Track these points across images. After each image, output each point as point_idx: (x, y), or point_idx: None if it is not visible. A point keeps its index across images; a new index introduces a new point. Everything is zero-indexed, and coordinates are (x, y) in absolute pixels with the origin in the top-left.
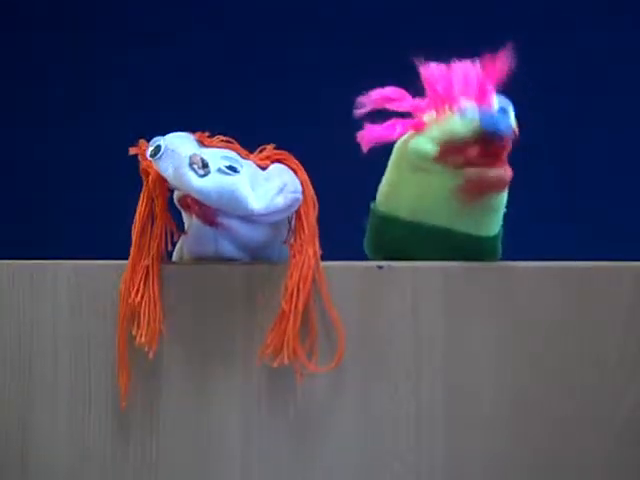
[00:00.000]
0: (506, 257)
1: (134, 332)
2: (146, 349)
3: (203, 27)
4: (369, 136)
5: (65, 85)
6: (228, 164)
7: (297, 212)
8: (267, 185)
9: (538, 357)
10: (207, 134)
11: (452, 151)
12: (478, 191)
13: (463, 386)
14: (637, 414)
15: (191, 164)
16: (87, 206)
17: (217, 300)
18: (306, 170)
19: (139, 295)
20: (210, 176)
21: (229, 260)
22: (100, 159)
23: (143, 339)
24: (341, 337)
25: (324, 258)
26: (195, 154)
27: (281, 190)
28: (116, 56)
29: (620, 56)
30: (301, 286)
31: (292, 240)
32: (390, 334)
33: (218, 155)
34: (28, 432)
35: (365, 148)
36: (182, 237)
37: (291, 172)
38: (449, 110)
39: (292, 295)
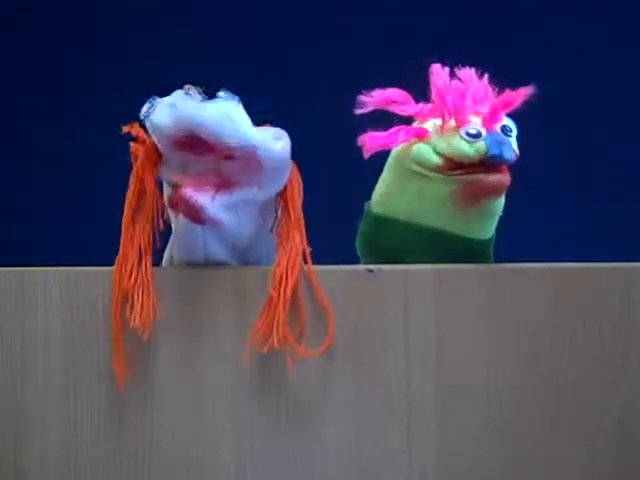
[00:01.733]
0: (498, 258)
1: (127, 315)
2: (140, 332)
3: (196, 28)
4: (371, 143)
5: (50, 89)
6: (225, 95)
7: (283, 198)
8: (263, 129)
9: (529, 358)
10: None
11: (454, 165)
12: (476, 196)
13: (454, 388)
14: (627, 414)
15: (186, 92)
16: (77, 211)
17: (208, 301)
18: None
19: (132, 278)
20: (209, 101)
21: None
22: (91, 165)
23: (137, 322)
24: (331, 320)
25: (315, 262)
26: (189, 86)
27: (279, 137)
28: (103, 60)
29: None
30: (289, 272)
31: (279, 228)
32: (381, 337)
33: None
34: (21, 438)
35: (367, 154)
36: (171, 243)
37: None
38: (455, 124)
39: (280, 281)
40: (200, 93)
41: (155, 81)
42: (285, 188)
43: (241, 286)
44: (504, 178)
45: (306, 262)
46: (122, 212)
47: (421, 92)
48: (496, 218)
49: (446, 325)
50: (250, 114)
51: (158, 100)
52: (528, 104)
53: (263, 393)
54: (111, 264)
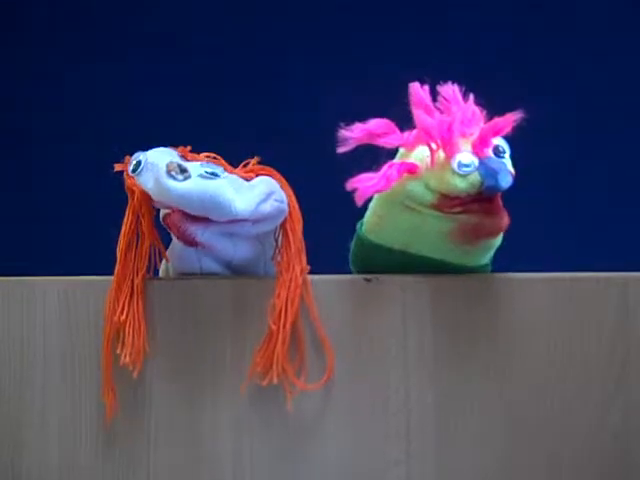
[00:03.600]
0: (495, 267)
1: (118, 351)
2: (130, 368)
3: (187, 43)
4: (363, 190)
5: (48, 99)
6: (210, 170)
7: (283, 228)
8: (253, 191)
9: (527, 367)
10: (189, 148)
11: (449, 202)
12: (474, 237)
13: (453, 397)
14: (624, 421)
15: (168, 172)
16: (74, 221)
17: (205, 314)
18: (290, 182)
19: (124, 314)
20: (190, 180)
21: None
22: (88, 174)
23: (127, 358)
24: (330, 357)
25: (312, 271)
26: (171, 161)
27: (268, 196)
28: (100, 74)
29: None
30: (289, 305)
31: (279, 257)
32: (379, 346)
33: (198, 164)
34: (19, 449)
35: (359, 202)
36: (169, 251)
37: (277, 183)
38: (445, 156)
39: (280, 314)
40: (183, 170)
41: (155, 81)
42: (285, 220)
43: (240, 298)
44: (503, 221)
45: (307, 292)
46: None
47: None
48: (494, 249)
49: (443, 334)
50: (241, 134)
51: (144, 161)
52: (518, 128)
53: (262, 420)
54: (111, 274)
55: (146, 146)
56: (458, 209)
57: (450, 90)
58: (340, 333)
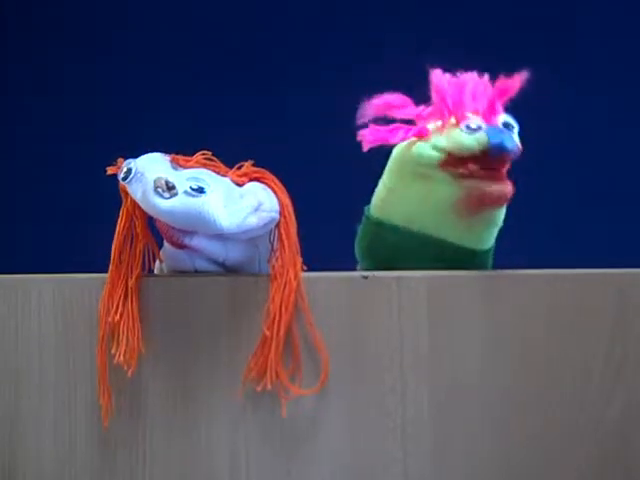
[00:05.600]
0: (494, 264)
1: (113, 351)
2: (125, 368)
3: (185, 40)
4: (371, 136)
5: (40, 98)
6: (195, 185)
7: (278, 232)
8: (241, 203)
9: (524, 365)
10: (181, 155)
11: (456, 161)
12: (478, 205)
13: (449, 394)
14: (623, 418)
15: (156, 188)
16: (69, 216)
17: (200, 313)
18: (287, 179)
19: (118, 314)
20: (176, 198)
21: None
22: (83, 173)
23: (122, 358)
24: (325, 362)
25: (309, 268)
26: (160, 177)
27: (255, 209)
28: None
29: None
30: (283, 311)
31: (273, 260)
32: (375, 344)
33: (185, 177)
34: (13, 451)
35: (365, 147)
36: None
37: (269, 190)
38: (455, 122)
39: (274, 320)
40: (171, 188)
41: (155, 80)
42: (278, 222)
43: (233, 297)
44: (507, 188)
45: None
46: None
47: (421, 92)
48: (496, 229)
49: (440, 331)
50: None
51: (134, 169)
52: (523, 95)
53: (258, 421)
54: (107, 271)
55: (144, 145)
56: (463, 171)
57: (468, 74)
58: (335, 330)
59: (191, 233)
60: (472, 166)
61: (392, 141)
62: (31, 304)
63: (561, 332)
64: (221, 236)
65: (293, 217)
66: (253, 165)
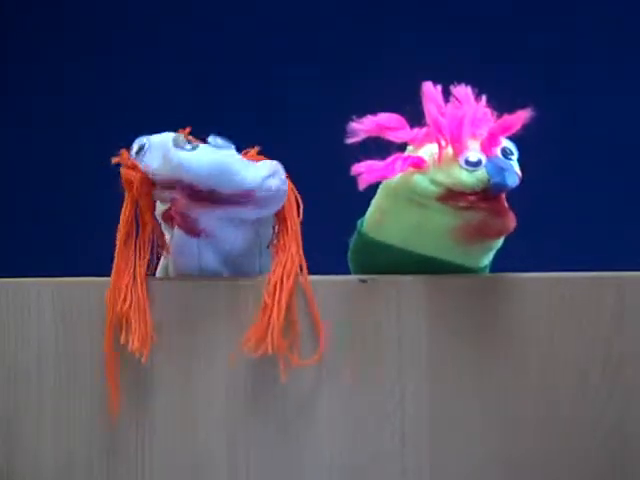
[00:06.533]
0: (492, 267)
1: (123, 340)
2: (138, 354)
3: (190, 32)
4: (367, 175)
5: (44, 98)
6: (219, 142)
7: (281, 214)
8: (258, 167)
9: (522, 369)
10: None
11: (455, 195)
12: (477, 235)
13: (448, 397)
14: (621, 420)
15: (176, 144)
16: (70, 219)
17: (202, 315)
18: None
19: (127, 302)
20: (200, 149)
21: (213, 275)
22: (84, 174)
23: (135, 345)
24: (322, 333)
25: (308, 271)
26: (178, 135)
27: (274, 173)
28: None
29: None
30: (284, 280)
31: (275, 241)
32: (374, 348)
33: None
34: (13, 450)
35: (362, 186)
36: (165, 255)
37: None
38: (453, 151)
39: (275, 288)
40: (189, 142)
41: (155, 81)
42: (283, 207)
43: (235, 299)
44: (510, 222)
45: (302, 271)
46: (115, 222)
47: (414, 108)
48: (494, 251)
49: (439, 335)
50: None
51: (148, 143)
52: (526, 127)
53: (257, 414)
54: (106, 274)
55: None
56: (464, 204)
57: (462, 91)
58: (335, 333)
59: (209, 210)
60: (472, 198)
61: (389, 177)
62: (30, 307)
63: (561, 333)
64: (232, 219)
65: (297, 197)
66: (258, 153)
